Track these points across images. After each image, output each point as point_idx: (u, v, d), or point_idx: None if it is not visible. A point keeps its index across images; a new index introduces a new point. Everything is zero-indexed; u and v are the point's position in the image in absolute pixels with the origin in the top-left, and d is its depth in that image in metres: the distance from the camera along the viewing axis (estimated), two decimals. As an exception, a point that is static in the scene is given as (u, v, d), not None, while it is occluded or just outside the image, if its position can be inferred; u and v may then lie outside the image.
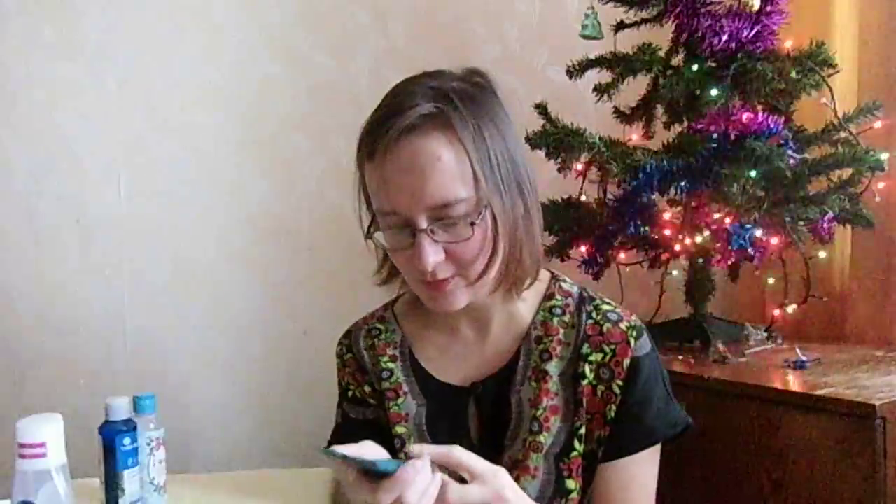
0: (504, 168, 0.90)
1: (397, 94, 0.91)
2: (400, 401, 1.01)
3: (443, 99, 0.88)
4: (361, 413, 1.05)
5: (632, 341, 0.96)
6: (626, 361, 0.95)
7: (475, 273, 0.90)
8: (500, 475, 0.81)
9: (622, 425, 0.95)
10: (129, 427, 1.16)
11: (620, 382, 0.95)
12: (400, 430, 1.00)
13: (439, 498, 0.77)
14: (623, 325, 0.97)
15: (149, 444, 1.19)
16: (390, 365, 1.03)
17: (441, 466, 0.79)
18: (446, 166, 0.86)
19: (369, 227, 0.95)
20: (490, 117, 0.90)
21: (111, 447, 1.15)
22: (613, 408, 0.95)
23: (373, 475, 0.76)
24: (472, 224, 0.87)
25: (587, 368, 0.96)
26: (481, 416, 0.99)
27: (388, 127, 0.86)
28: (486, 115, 0.90)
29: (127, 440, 1.15)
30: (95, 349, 1.72)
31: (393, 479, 0.75)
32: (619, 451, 0.95)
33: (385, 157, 0.87)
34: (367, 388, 1.05)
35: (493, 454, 0.96)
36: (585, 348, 0.96)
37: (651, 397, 0.96)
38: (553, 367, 0.96)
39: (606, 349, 0.96)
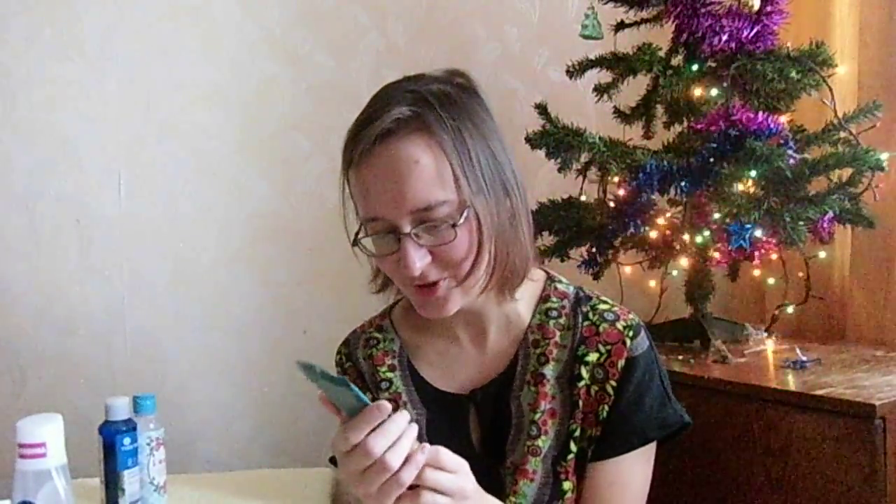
0: (487, 169, 0.89)
1: (375, 101, 0.91)
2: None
3: (420, 102, 0.88)
4: None
5: (628, 341, 0.95)
6: (621, 362, 0.95)
7: (463, 273, 0.89)
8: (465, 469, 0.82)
9: (613, 425, 0.94)
10: (129, 427, 1.17)
11: (614, 383, 0.94)
12: None
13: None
14: (619, 325, 0.96)
15: (149, 444, 1.19)
16: (389, 375, 1.03)
17: None
18: (424, 169, 0.86)
19: (356, 235, 0.94)
20: (470, 118, 0.90)
21: (111, 447, 1.15)
22: (606, 408, 0.94)
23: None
24: (454, 226, 0.86)
25: (583, 370, 0.95)
26: (482, 423, 0.98)
27: (365, 134, 0.87)
28: (465, 117, 0.89)
29: (127, 440, 1.16)
30: (95, 349, 1.72)
31: (358, 416, 0.75)
32: (608, 451, 0.95)
33: (363, 163, 0.88)
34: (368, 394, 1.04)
35: (494, 460, 0.96)
36: (581, 350, 0.96)
37: (644, 397, 0.95)
38: (550, 370, 0.96)
39: (602, 349, 0.95)
